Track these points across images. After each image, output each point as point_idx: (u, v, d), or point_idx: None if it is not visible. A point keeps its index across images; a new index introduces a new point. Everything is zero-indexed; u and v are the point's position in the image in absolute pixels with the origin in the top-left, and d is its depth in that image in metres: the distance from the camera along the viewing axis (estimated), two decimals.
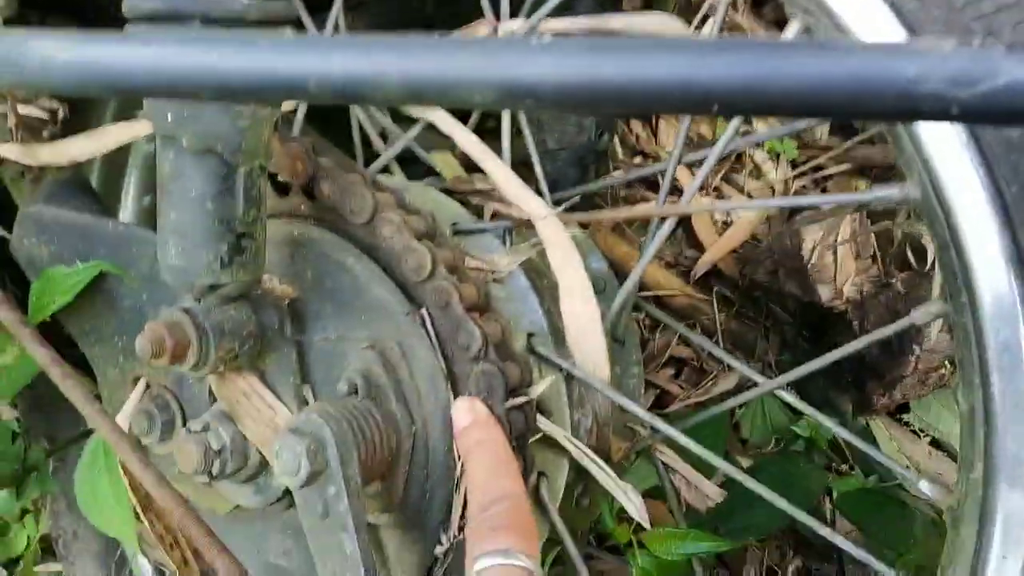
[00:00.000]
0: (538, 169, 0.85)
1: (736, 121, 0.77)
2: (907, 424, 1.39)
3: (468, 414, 0.67)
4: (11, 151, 0.80)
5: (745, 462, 1.30)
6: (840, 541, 0.74)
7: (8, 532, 1.34)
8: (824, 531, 0.76)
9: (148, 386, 0.85)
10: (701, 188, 1.59)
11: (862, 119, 0.38)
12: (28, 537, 1.33)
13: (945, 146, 0.63)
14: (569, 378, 0.79)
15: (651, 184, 1.59)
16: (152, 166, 1.16)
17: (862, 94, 0.35)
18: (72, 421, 1.18)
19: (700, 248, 1.53)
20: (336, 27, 0.89)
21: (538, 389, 0.72)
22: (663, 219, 0.77)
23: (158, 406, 0.81)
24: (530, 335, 0.78)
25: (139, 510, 0.87)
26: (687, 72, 0.36)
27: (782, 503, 0.75)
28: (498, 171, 0.77)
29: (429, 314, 0.71)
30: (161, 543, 0.91)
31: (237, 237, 0.65)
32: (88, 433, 1.13)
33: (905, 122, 0.60)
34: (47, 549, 1.37)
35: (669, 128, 1.63)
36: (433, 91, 0.43)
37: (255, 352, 0.72)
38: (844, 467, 1.27)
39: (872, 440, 1.32)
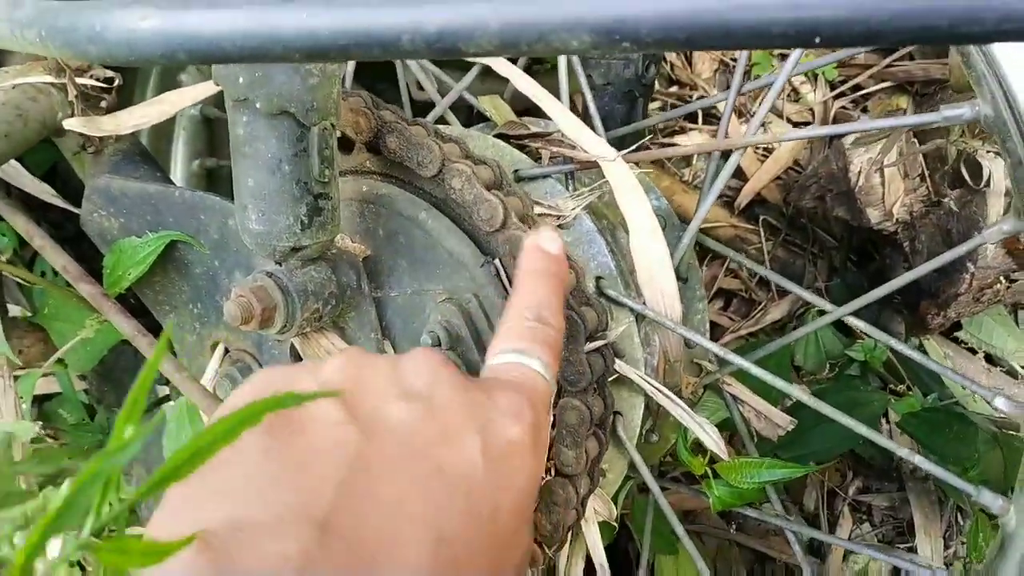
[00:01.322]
0: (592, 108, 0.85)
1: (794, 58, 0.76)
2: (961, 343, 1.39)
3: (553, 244, 0.60)
4: (76, 124, 0.80)
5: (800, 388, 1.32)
6: (919, 460, 0.75)
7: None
8: (891, 445, 0.77)
9: (227, 351, 0.87)
10: (740, 115, 1.58)
11: (965, 42, 0.37)
12: (110, 504, 1.37)
13: (1020, 61, 0.62)
14: (639, 318, 0.80)
15: (689, 116, 1.57)
16: (198, 131, 1.17)
17: (967, 15, 0.35)
18: None
19: (742, 177, 1.52)
20: None
21: (615, 332, 0.73)
22: (726, 155, 0.76)
23: (240, 370, 0.83)
24: (599, 278, 0.79)
25: None
26: (793, 4, 0.36)
27: (857, 425, 0.76)
28: (559, 113, 0.77)
29: (503, 264, 0.72)
30: None
31: (315, 198, 0.66)
32: (162, 401, 1.17)
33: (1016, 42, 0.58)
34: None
35: (703, 55, 1.60)
36: (529, 38, 0.42)
37: (336, 311, 0.74)
38: (902, 388, 1.27)
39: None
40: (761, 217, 1.48)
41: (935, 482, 1.29)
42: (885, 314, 1.37)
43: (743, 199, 1.49)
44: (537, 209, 0.78)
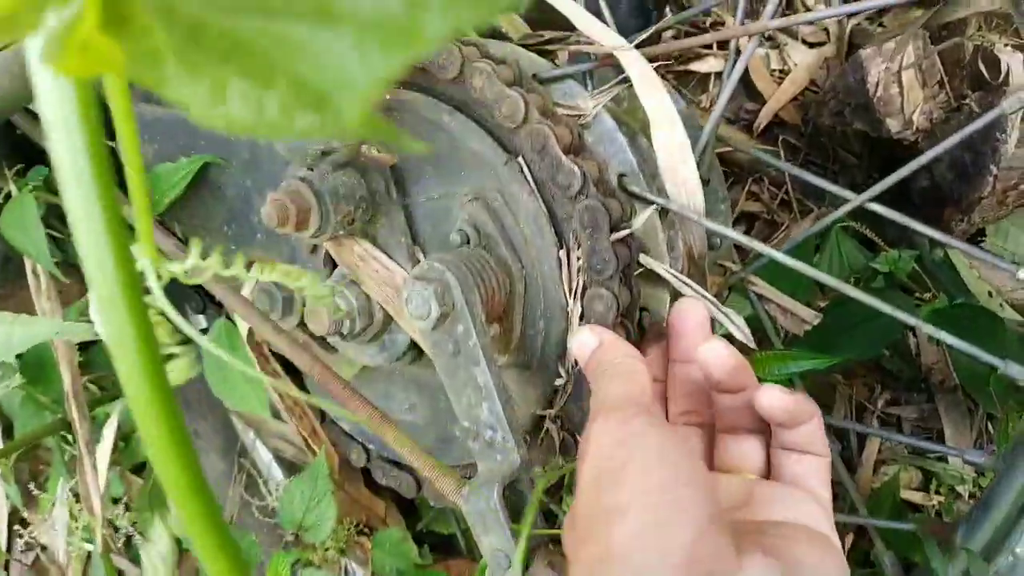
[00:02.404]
0: (607, 14, 0.85)
1: None
2: (986, 251, 1.39)
3: (594, 337, 0.64)
4: None
5: (824, 304, 1.33)
6: (948, 337, 0.76)
7: (131, 441, 1.43)
8: (928, 328, 0.78)
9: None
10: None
11: None
12: None
13: None
14: (662, 214, 0.81)
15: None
16: None
17: None
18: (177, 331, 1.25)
19: (760, 100, 1.52)
20: None
21: (639, 221, 0.75)
22: (745, 42, 0.77)
23: (276, 284, 0.86)
24: (621, 175, 0.80)
25: (268, 385, 0.94)
26: None
27: (889, 309, 0.77)
28: (574, 10, 0.78)
29: (526, 160, 0.74)
30: (291, 414, 0.97)
31: None
32: (201, 332, 1.20)
33: None
34: None
35: None
36: None
37: (368, 217, 0.76)
38: (927, 296, 1.28)
39: (953, 270, 1.33)
40: (781, 137, 1.48)
41: (964, 391, 1.30)
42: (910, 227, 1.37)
43: (762, 120, 1.49)
44: (559, 111, 0.79)
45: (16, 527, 1.32)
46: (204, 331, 1.15)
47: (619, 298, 0.73)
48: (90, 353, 1.34)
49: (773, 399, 0.58)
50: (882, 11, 1.55)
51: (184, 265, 0.36)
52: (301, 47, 0.22)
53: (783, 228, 1.48)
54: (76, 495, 1.13)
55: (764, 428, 0.64)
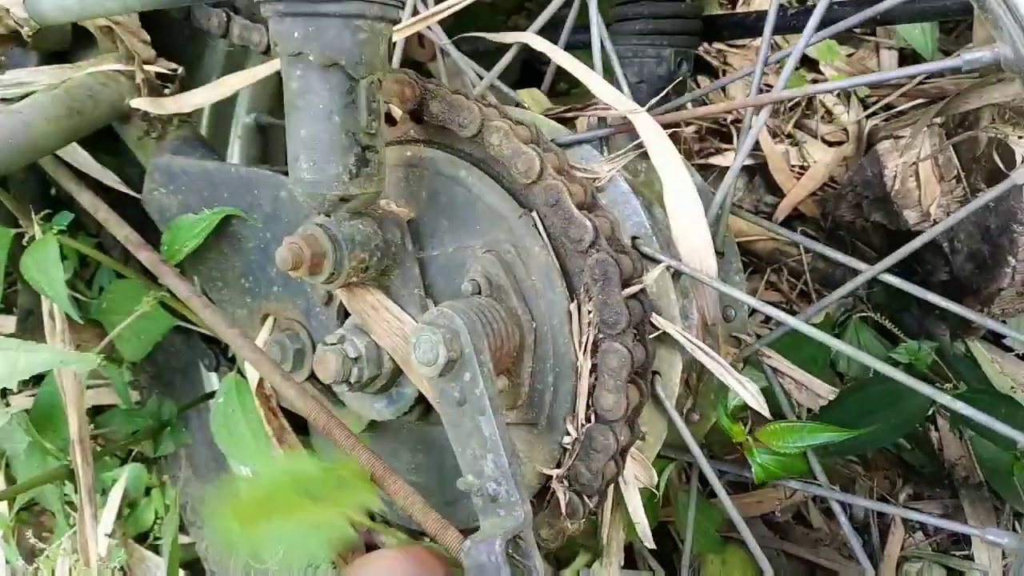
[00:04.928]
0: (626, 89, 0.88)
1: (816, 16, 0.79)
2: (1009, 349, 1.37)
3: None
4: (143, 103, 0.86)
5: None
6: (967, 408, 0.74)
7: (137, 508, 1.41)
8: (954, 403, 0.77)
9: (275, 322, 0.90)
10: (774, 136, 1.61)
11: None
12: (155, 511, 1.40)
13: None
14: (675, 278, 0.81)
15: (724, 136, 1.61)
16: (253, 138, 1.23)
17: None
18: (192, 390, 1.25)
19: (779, 194, 1.54)
20: None
21: (651, 277, 0.75)
22: (757, 111, 0.79)
23: (288, 337, 0.86)
24: (634, 237, 0.81)
25: (274, 442, 0.93)
26: None
27: (918, 383, 0.75)
28: (593, 78, 0.81)
29: (539, 214, 0.75)
30: None
31: (363, 149, 0.70)
32: (210, 396, 1.20)
33: None
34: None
35: (735, 81, 1.64)
36: None
37: (382, 266, 0.77)
38: (948, 387, 1.26)
39: (974, 363, 1.31)
40: (800, 229, 1.49)
41: (989, 488, 1.26)
42: (929, 319, 1.36)
43: (780, 213, 1.51)
44: (575, 172, 0.81)
45: None
46: (212, 394, 1.15)
47: (634, 354, 0.73)
48: (104, 416, 1.34)
49: None
50: (900, 113, 1.58)
51: None
52: None
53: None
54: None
55: None
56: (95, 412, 1.37)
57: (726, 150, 1.60)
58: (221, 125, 1.16)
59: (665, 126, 0.81)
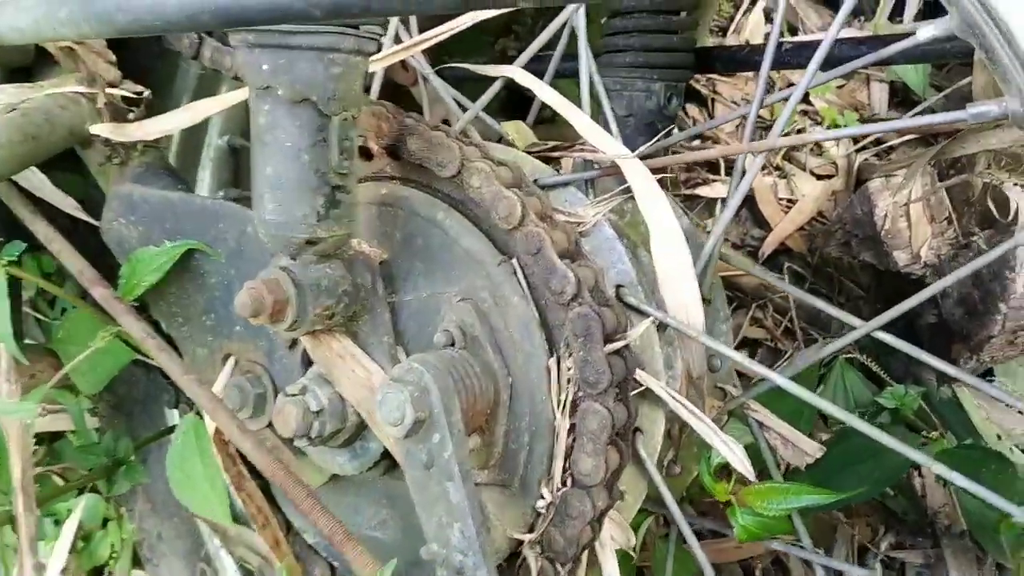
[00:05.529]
0: (614, 127, 0.84)
1: (814, 66, 0.76)
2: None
3: None
4: (103, 129, 0.81)
5: (827, 436, 1.27)
6: (960, 480, 0.71)
7: (92, 540, 1.35)
8: (940, 468, 0.73)
9: (237, 363, 0.85)
10: (763, 168, 1.58)
11: None
12: (112, 545, 1.34)
13: None
14: (660, 329, 0.77)
15: (713, 167, 1.58)
16: (225, 161, 1.18)
17: None
18: (152, 422, 1.20)
19: (766, 228, 1.51)
20: None
21: (635, 332, 0.71)
22: (752, 158, 0.75)
23: (249, 380, 0.81)
24: (619, 286, 0.77)
25: (232, 489, 0.87)
26: None
27: (898, 445, 0.72)
28: (579, 119, 0.77)
29: (520, 263, 0.71)
30: (254, 521, 0.91)
31: (332, 189, 0.65)
32: (171, 430, 1.14)
33: None
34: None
35: (725, 111, 1.62)
36: None
37: (349, 312, 0.72)
38: (934, 435, 1.23)
39: (960, 409, 1.28)
40: (786, 265, 1.46)
41: (972, 538, 1.23)
42: (916, 363, 1.33)
43: (767, 247, 1.48)
44: (558, 217, 0.77)
45: None
46: (172, 429, 1.10)
47: (615, 415, 0.69)
48: (60, 444, 1.28)
49: None
50: (890, 149, 1.56)
51: None
52: None
53: (786, 356, 1.44)
54: None
55: None
56: (54, 438, 1.31)
57: (713, 181, 1.57)
58: (192, 147, 1.11)
59: (654, 169, 0.77)
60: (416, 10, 0.49)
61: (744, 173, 0.76)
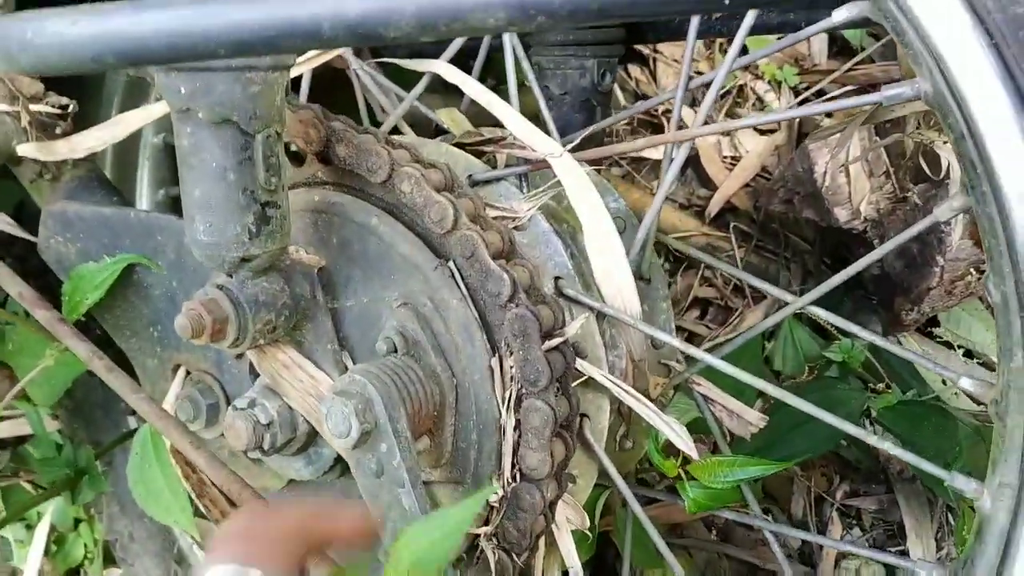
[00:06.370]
0: (546, 113, 0.85)
1: (736, 47, 0.77)
2: (939, 339, 1.39)
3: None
4: (29, 149, 0.80)
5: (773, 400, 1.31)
6: (894, 449, 0.74)
7: (65, 543, 1.36)
8: (872, 439, 0.76)
9: (188, 373, 0.86)
10: (705, 123, 1.58)
11: None
12: (85, 545, 1.35)
13: (952, 34, 0.62)
14: (600, 318, 0.79)
15: (656, 127, 1.58)
16: (162, 159, 1.17)
17: None
18: (113, 425, 1.20)
19: (712, 187, 1.53)
20: None
21: (572, 328, 0.72)
22: (679, 146, 0.76)
23: (201, 391, 0.82)
24: (557, 279, 0.78)
25: (193, 496, 0.89)
26: None
27: (830, 418, 0.75)
28: (508, 115, 0.77)
29: (457, 265, 0.71)
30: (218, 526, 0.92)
31: (262, 206, 0.65)
32: (131, 434, 1.15)
33: None
34: (106, 557, 1.39)
35: (667, 70, 1.62)
36: (446, 20, 0.43)
37: (291, 323, 0.73)
38: (880, 386, 1.27)
39: (906, 360, 1.32)
40: (732, 224, 1.48)
41: (923, 482, 1.28)
42: (861, 314, 1.37)
43: (713, 207, 1.50)
44: (491, 212, 0.78)
45: None
46: (132, 432, 1.10)
47: (556, 410, 0.70)
48: (25, 449, 1.28)
49: None
50: (831, 100, 1.57)
51: None
52: None
53: (737, 314, 1.47)
54: None
55: None
56: (18, 442, 1.31)
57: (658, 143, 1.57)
58: (128, 148, 1.10)
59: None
60: (328, 46, 0.49)
61: (672, 161, 0.78)
